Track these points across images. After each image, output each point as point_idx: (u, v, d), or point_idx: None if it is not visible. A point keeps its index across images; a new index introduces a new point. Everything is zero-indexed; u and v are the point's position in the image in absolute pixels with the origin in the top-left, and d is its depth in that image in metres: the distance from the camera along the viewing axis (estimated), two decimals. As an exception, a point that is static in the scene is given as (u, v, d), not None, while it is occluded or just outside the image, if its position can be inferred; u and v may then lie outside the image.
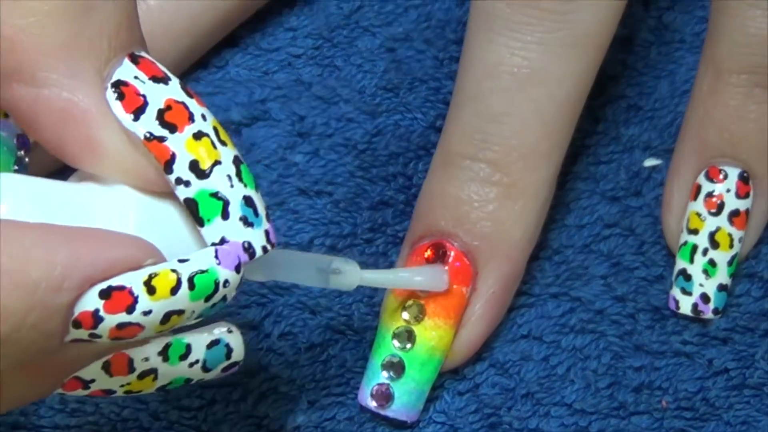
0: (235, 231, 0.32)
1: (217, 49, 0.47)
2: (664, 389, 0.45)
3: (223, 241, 0.31)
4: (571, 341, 0.45)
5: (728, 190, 0.43)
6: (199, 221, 0.31)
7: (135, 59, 0.31)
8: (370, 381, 0.43)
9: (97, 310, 0.29)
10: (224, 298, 0.31)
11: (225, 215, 0.31)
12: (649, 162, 0.46)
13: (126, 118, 0.31)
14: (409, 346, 0.42)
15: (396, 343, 0.42)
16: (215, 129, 0.32)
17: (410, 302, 0.42)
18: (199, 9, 0.44)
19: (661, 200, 0.46)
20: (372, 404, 0.43)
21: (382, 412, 0.43)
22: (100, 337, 0.30)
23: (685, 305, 0.44)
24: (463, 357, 0.44)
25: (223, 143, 0.32)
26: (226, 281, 0.31)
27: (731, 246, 0.43)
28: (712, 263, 0.43)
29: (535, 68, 0.41)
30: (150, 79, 0.31)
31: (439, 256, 0.42)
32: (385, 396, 0.43)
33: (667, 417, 0.44)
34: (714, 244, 0.43)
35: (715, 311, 0.44)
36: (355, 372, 0.45)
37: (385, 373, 0.42)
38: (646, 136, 0.46)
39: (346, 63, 0.47)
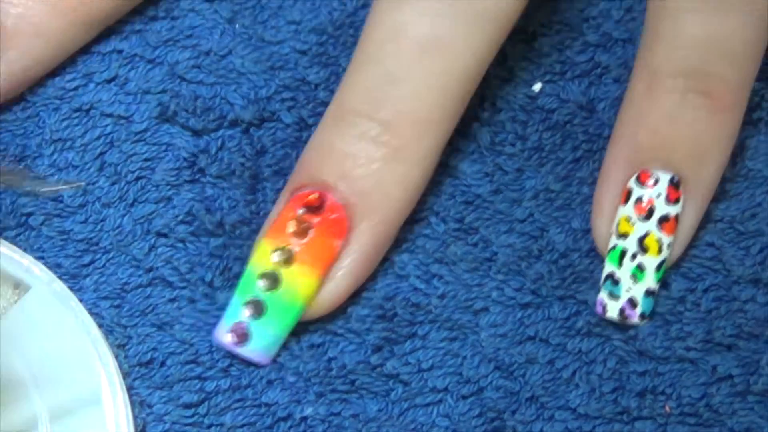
0: None
1: (218, 37, 0.47)
2: (668, 395, 0.45)
3: None
4: (577, 344, 0.45)
5: (659, 195, 0.43)
6: None
7: None
8: (229, 318, 0.43)
9: None
10: None
11: None
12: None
13: None
14: (273, 288, 0.42)
15: (261, 283, 0.43)
16: None
17: (282, 246, 0.43)
18: None
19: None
20: (228, 341, 0.43)
21: (238, 350, 0.43)
22: None
23: (612, 310, 0.44)
24: (324, 309, 0.44)
25: None
26: None
27: (660, 251, 0.43)
28: (640, 268, 0.43)
29: (437, 37, 0.42)
30: None
31: (317, 206, 0.43)
32: (242, 334, 0.43)
33: (670, 422, 0.44)
34: (643, 248, 0.43)
35: (642, 316, 0.44)
36: (358, 374, 0.45)
37: (245, 312, 0.43)
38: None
39: (352, 65, 0.47)
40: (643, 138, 0.43)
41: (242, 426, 0.44)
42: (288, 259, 0.43)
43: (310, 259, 0.43)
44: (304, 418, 0.44)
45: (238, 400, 0.44)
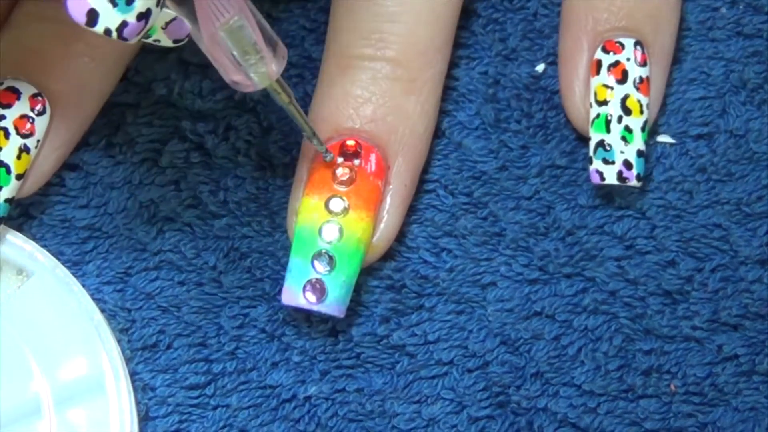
0: None
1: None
2: (673, 373, 0.45)
3: None
4: (584, 321, 0.45)
5: (628, 59, 0.44)
6: None
7: None
8: (299, 278, 0.42)
9: None
10: None
11: None
12: (662, 138, 0.46)
13: None
14: (337, 239, 0.42)
15: (325, 237, 0.43)
16: None
17: (333, 197, 0.43)
18: None
19: (672, 184, 0.46)
20: (306, 300, 0.42)
21: (316, 309, 0.42)
22: None
23: (610, 175, 0.44)
24: (381, 250, 0.44)
25: None
26: None
27: (641, 112, 0.44)
28: (628, 129, 0.44)
29: None
30: None
31: (349, 154, 0.43)
32: (320, 290, 0.42)
33: (675, 401, 0.44)
34: (626, 110, 0.44)
35: (638, 177, 0.44)
36: (364, 346, 0.45)
37: (318, 268, 0.42)
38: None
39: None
40: (600, 10, 0.44)
41: (247, 408, 0.44)
42: (345, 209, 0.43)
43: (362, 203, 0.43)
44: (308, 398, 0.44)
45: (244, 383, 0.45)
